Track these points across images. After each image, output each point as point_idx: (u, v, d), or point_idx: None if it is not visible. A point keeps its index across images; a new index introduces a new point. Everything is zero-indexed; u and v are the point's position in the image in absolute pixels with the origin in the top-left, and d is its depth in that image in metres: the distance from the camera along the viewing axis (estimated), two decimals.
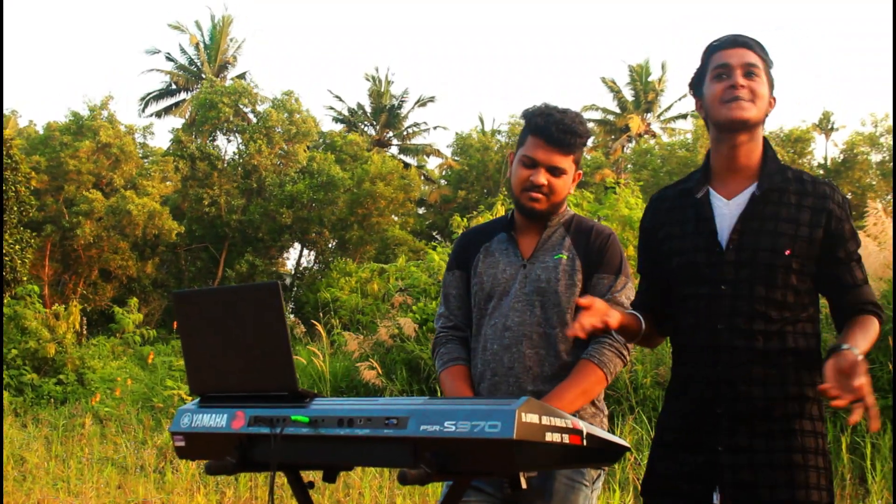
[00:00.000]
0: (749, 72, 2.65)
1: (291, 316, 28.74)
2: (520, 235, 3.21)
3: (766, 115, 2.70)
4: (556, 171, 3.08)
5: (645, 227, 2.92)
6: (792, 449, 2.53)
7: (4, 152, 21.78)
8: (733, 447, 2.55)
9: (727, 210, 2.67)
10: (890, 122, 35.57)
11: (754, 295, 2.56)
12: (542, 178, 3.07)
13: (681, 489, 2.63)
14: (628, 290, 3.08)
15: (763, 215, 2.62)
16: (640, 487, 2.91)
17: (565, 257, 3.09)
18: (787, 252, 2.56)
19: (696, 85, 2.77)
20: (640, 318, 2.78)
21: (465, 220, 15.60)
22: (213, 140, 35.97)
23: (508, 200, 15.00)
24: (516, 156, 3.17)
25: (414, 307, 11.68)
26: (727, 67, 2.67)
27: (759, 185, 2.65)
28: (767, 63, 2.71)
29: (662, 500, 2.70)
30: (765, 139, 2.74)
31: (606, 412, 3.19)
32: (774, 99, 2.73)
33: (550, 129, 3.05)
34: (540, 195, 3.09)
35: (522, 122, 3.21)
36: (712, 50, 2.74)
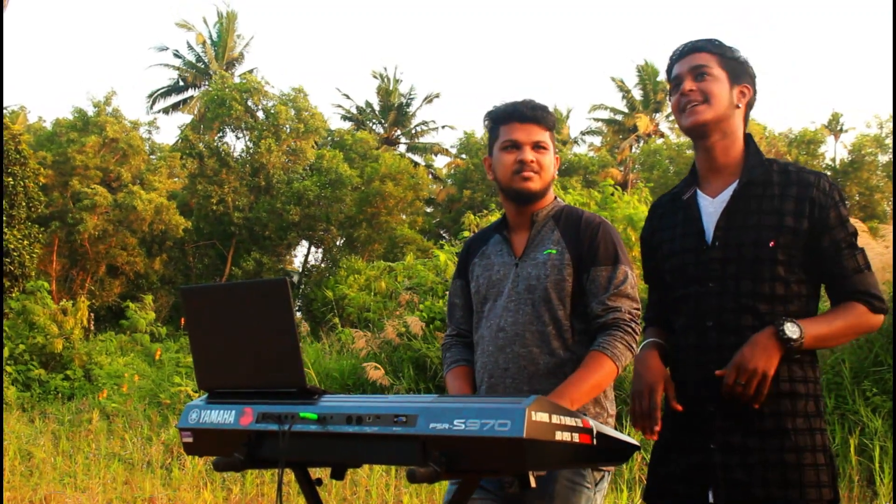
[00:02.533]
0: (698, 74, 2.67)
1: (298, 314, 28.76)
2: (513, 234, 3.21)
3: (738, 107, 2.69)
4: (539, 147, 3.10)
5: (643, 237, 2.95)
6: (784, 448, 2.51)
7: (14, 147, 21.81)
8: (726, 446, 2.54)
9: (712, 208, 2.68)
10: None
11: (741, 290, 2.56)
12: (530, 154, 3.08)
13: (677, 491, 2.63)
14: (631, 280, 3.03)
15: (746, 209, 2.62)
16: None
17: (555, 252, 3.06)
18: (772, 244, 2.55)
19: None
20: (663, 344, 2.81)
21: (477, 217, 15.61)
22: (223, 136, 35.99)
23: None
24: (494, 150, 3.18)
25: (421, 305, 11.68)
26: (678, 77, 2.71)
27: (739, 180, 2.65)
28: (726, 57, 2.70)
29: (661, 502, 2.69)
30: (747, 135, 2.74)
31: (613, 412, 3.15)
32: (748, 88, 2.72)
33: (520, 108, 3.10)
34: (531, 173, 3.08)
35: (489, 125, 3.24)
36: (669, 65, 2.78)
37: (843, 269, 2.57)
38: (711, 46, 2.69)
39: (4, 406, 14.36)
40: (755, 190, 2.63)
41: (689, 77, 2.67)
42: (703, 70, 2.66)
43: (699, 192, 2.74)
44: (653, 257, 2.88)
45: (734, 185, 2.66)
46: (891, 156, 35.87)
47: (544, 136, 3.11)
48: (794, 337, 2.43)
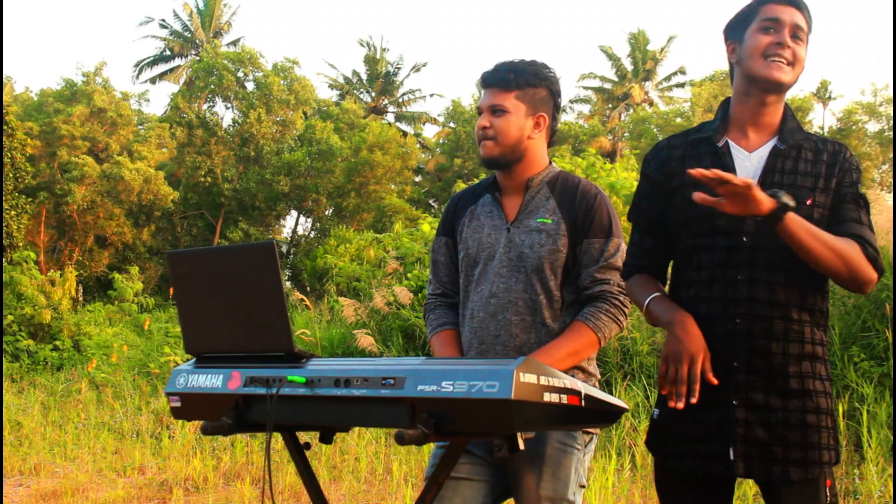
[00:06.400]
0: (796, 34, 2.60)
1: (288, 283, 28.76)
2: (504, 197, 3.15)
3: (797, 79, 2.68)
4: (495, 110, 3.03)
5: (652, 178, 2.79)
6: (807, 409, 2.50)
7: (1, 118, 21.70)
8: (748, 403, 2.51)
9: (748, 162, 2.63)
10: (890, 91, 35.53)
11: (776, 246, 2.50)
12: (485, 121, 3.03)
13: (698, 450, 2.58)
14: (622, 252, 3.00)
15: (784, 169, 2.59)
16: (646, 445, 2.82)
17: (549, 221, 3.02)
18: (809, 201, 2.52)
19: (736, 30, 2.69)
20: (663, 292, 2.74)
21: (468, 185, 15.60)
22: (212, 107, 35.82)
23: None
24: None
25: (409, 275, 11.70)
26: (777, 22, 2.60)
27: (780, 140, 2.63)
28: (811, 28, 2.66)
29: (681, 462, 2.63)
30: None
31: (598, 377, 3.15)
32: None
33: (487, 73, 3.05)
34: (486, 140, 3.04)
35: None
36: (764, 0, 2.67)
37: (842, 217, 2.55)
38: (808, 14, 2.65)
39: None
40: (792, 152, 2.62)
41: (788, 30, 2.60)
42: (800, 33, 2.61)
43: (731, 142, 2.69)
44: (665, 201, 2.74)
45: (771, 144, 2.64)
46: (883, 124, 35.92)
47: (505, 100, 3.01)
48: (786, 201, 2.37)
